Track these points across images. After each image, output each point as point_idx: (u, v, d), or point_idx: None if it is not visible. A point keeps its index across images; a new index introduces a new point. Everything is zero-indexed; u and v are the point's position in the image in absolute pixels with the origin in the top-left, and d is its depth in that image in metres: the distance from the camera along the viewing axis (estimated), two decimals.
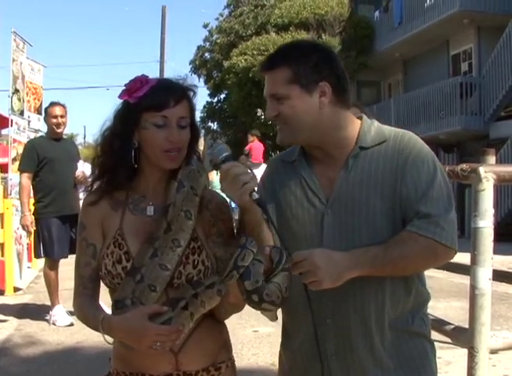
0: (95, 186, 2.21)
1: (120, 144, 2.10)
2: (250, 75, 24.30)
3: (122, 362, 2.14)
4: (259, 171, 2.96)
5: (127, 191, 2.15)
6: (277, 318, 2.27)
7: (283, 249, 2.00)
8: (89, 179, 2.32)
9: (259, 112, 27.33)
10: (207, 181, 2.22)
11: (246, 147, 14.64)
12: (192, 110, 2.14)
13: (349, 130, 2.14)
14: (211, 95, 30.25)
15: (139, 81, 2.09)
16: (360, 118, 2.19)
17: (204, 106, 30.11)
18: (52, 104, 7.35)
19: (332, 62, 2.12)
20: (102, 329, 1.97)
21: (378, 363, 2.05)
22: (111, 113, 2.14)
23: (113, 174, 2.13)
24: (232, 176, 1.94)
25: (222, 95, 30.22)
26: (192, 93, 2.16)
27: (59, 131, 7.24)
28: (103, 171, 2.16)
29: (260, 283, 1.92)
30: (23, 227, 7.31)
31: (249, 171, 2.00)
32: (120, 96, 2.10)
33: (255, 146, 14.35)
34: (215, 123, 30.88)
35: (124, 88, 2.10)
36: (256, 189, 1.96)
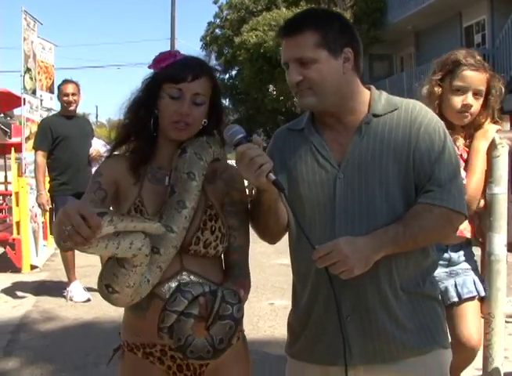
0: (115, 153, 2.28)
1: (144, 112, 2.17)
2: (262, 51, 24.21)
3: (132, 333, 2.19)
4: None
5: (145, 162, 2.20)
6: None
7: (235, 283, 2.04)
8: (104, 154, 2.37)
9: (271, 88, 27.23)
10: (220, 155, 2.25)
11: None
12: (214, 90, 2.20)
13: (362, 98, 2.18)
14: (223, 72, 30.12)
15: (168, 54, 2.19)
16: (368, 88, 2.23)
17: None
18: (65, 82, 7.37)
19: (352, 28, 2.16)
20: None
21: (395, 323, 2.08)
22: (139, 83, 2.23)
23: (135, 141, 2.20)
24: (248, 158, 1.96)
25: (234, 72, 30.14)
26: (217, 74, 2.24)
27: (71, 108, 7.27)
28: (126, 138, 2.23)
29: (182, 341, 1.92)
30: (40, 205, 7.37)
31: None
32: (149, 66, 2.20)
33: None
34: (227, 100, 30.79)
35: (154, 58, 2.19)
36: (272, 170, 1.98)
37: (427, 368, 2.13)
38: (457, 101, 3.08)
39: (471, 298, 3.18)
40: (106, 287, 1.97)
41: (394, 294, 2.09)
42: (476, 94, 3.10)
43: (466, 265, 3.24)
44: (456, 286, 3.18)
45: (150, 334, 2.07)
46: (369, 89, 2.22)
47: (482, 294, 3.16)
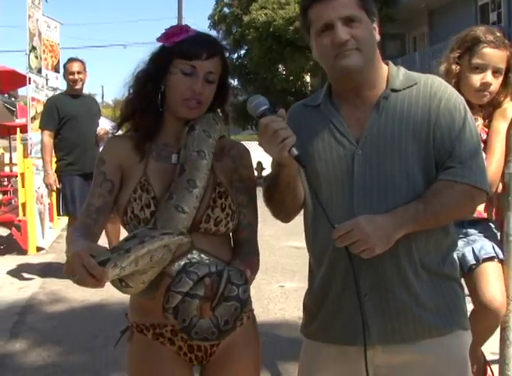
0: (120, 130, 2.27)
1: (152, 86, 2.15)
2: (271, 30, 24.13)
3: (141, 313, 2.19)
4: None
5: (150, 138, 2.18)
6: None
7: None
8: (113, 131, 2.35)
9: (280, 67, 27.17)
10: (225, 132, 2.25)
11: None
12: (224, 69, 2.19)
13: (382, 71, 2.17)
14: (231, 51, 29.98)
15: (180, 28, 2.15)
16: (386, 64, 2.21)
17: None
18: (70, 60, 7.36)
19: (373, 1, 2.15)
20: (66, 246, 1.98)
21: (415, 302, 2.07)
22: (146, 56, 2.20)
23: (140, 117, 2.18)
24: (272, 131, 1.94)
25: (242, 51, 30.07)
26: (227, 53, 2.22)
27: (77, 87, 7.26)
28: (132, 113, 2.21)
29: (186, 322, 1.92)
30: (47, 186, 7.36)
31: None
32: (158, 39, 2.16)
33: None
34: (235, 80, 30.70)
35: (163, 32, 2.16)
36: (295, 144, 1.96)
37: (447, 349, 2.12)
38: (476, 79, 3.05)
39: (490, 259, 3.12)
40: (120, 281, 1.97)
41: (415, 272, 2.07)
42: (495, 72, 3.07)
43: (483, 235, 3.21)
44: (473, 250, 3.15)
45: (160, 314, 2.06)
46: (387, 64, 2.21)
47: (501, 256, 3.11)
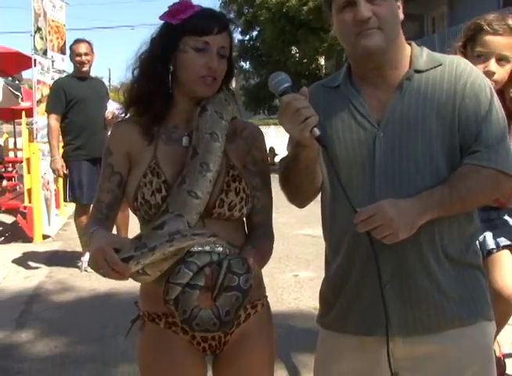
0: (128, 114, 2.25)
1: (161, 67, 2.13)
2: (284, 10, 24.03)
3: (153, 302, 2.18)
4: None
5: (158, 121, 2.17)
6: None
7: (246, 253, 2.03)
8: (121, 114, 2.34)
9: (294, 50, 27.09)
10: (237, 113, 2.24)
11: None
12: (231, 43, 2.18)
13: (405, 51, 2.15)
14: (243, 33, 29.95)
15: (184, 4, 2.12)
16: (409, 44, 2.19)
17: (235, 45, 29.88)
18: (77, 41, 7.34)
19: None
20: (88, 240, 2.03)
21: (437, 290, 2.06)
22: (147, 37, 2.17)
23: (149, 100, 2.16)
24: (294, 110, 1.92)
25: (254, 33, 29.95)
26: (233, 27, 2.20)
27: (84, 69, 7.25)
28: (139, 97, 2.19)
29: (187, 314, 1.92)
30: (54, 171, 7.37)
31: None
32: (161, 17, 2.13)
33: None
34: (247, 62, 30.64)
35: (166, 9, 2.12)
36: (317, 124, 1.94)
37: (470, 340, 2.10)
38: (479, 68, 3.03)
39: (509, 247, 3.18)
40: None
41: (437, 259, 2.06)
42: (500, 60, 3.04)
43: (506, 220, 3.25)
44: (494, 235, 3.19)
45: None
46: (410, 44, 2.19)
47: None
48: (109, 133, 6.97)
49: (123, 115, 2.28)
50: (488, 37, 3.03)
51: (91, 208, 7.44)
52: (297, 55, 27.34)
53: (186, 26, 2.09)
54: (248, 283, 1.94)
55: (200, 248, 2.00)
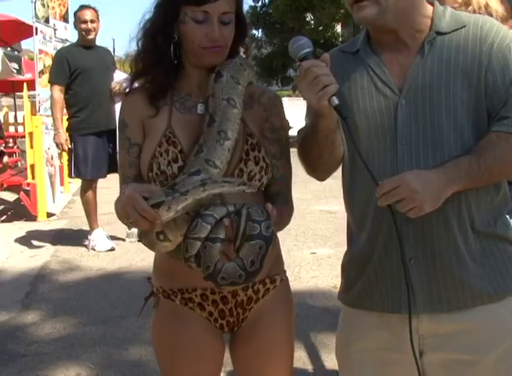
0: (135, 85, 2.26)
1: (163, 38, 2.13)
2: None
3: (168, 278, 2.21)
4: None
5: (170, 90, 2.18)
6: None
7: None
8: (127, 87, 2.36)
9: (309, 17, 26.91)
10: (253, 78, 2.25)
11: None
12: (238, 2, 2.16)
13: (425, 13, 2.12)
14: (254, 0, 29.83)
15: None
16: (431, 4, 2.16)
17: (247, 12, 29.75)
18: (82, 7, 7.32)
19: None
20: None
21: (464, 266, 2.06)
22: (150, 6, 2.17)
23: (154, 70, 2.17)
24: (313, 76, 1.92)
25: None
26: None
27: (90, 37, 7.24)
28: (145, 69, 2.20)
29: (211, 269, 1.92)
30: (58, 145, 7.40)
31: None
32: None
33: None
34: (260, 30, 30.48)
35: None
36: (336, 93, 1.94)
37: (500, 317, 2.11)
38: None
39: None
40: (157, 234, 2.00)
41: (464, 233, 2.06)
42: None
43: None
44: None
45: (190, 277, 2.10)
46: (432, 4, 2.16)
47: None
48: (116, 106, 7.00)
49: (127, 89, 2.30)
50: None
51: (98, 184, 7.40)
52: (312, 22, 27.17)
53: None
54: (270, 230, 1.94)
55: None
